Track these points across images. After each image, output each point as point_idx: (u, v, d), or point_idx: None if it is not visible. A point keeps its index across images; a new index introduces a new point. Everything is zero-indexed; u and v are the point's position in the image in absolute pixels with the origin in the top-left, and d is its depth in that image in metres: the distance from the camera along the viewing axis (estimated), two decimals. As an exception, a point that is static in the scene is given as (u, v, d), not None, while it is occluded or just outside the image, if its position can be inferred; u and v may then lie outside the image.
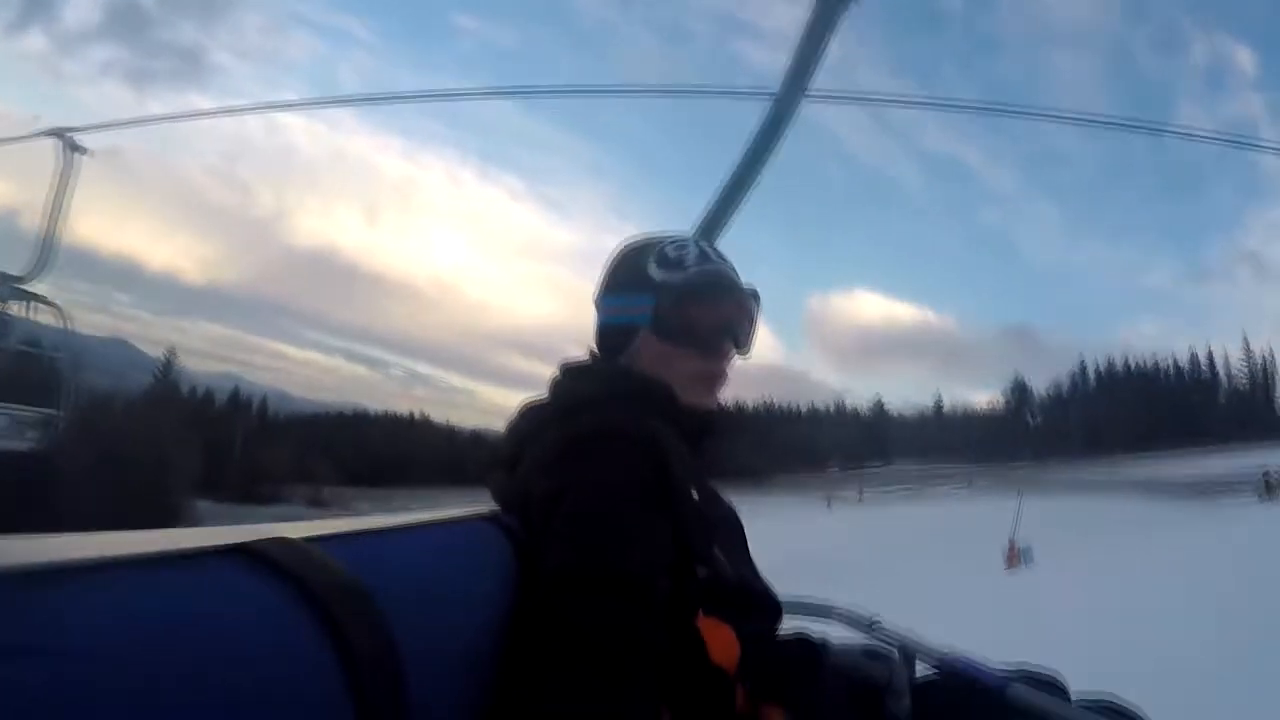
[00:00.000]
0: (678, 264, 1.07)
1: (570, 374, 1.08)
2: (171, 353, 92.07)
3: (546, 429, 0.94)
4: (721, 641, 0.86)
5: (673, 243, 1.10)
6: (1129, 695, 1.16)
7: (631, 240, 1.15)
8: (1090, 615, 8.39)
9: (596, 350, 1.12)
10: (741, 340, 1.11)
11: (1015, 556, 20.38)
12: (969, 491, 57.97)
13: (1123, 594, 9.45)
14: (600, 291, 1.12)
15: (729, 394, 1.13)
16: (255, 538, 0.49)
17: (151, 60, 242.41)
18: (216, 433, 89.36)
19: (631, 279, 1.08)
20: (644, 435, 0.88)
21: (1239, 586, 8.31)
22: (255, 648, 0.42)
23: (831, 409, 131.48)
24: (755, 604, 0.97)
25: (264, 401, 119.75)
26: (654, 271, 1.06)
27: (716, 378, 1.09)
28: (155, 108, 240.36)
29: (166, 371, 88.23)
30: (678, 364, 1.05)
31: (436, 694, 0.59)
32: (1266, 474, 34.30)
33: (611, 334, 1.10)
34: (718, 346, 1.08)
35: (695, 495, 0.90)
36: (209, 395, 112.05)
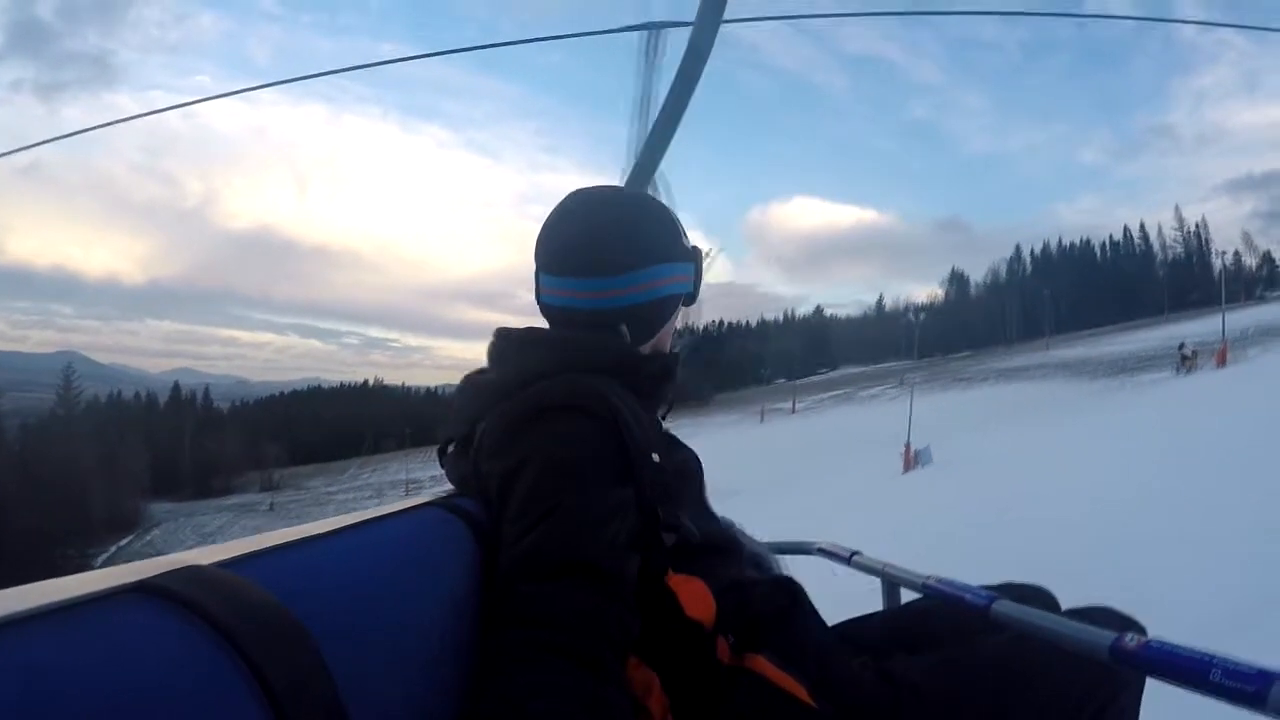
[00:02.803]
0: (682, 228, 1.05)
1: (517, 342, 0.97)
2: (69, 369, 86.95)
3: (497, 404, 0.88)
4: (694, 595, 0.84)
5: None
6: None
7: (631, 200, 1.06)
8: (969, 514, 8.44)
9: (627, 329, 0.98)
10: None
11: (910, 460, 20.71)
12: (899, 390, 59.09)
13: (1007, 491, 9.49)
14: (636, 262, 0.97)
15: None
16: (162, 570, 0.44)
17: (59, 71, 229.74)
18: (166, 432, 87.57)
19: (678, 248, 1.02)
20: (599, 404, 0.82)
21: (1121, 474, 8.34)
22: (160, 700, 0.37)
23: (780, 319, 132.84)
24: (727, 554, 0.94)
25: (207, 393, 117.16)
26: (685, 239, 1.04)
27: None
28: (70, 114, 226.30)
29: (68, 383, 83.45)
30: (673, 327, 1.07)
31: (388, 710, 0.55)
32: (1182, 347, 34.08)
33: (657, 308, 1.00)
34: None
35: (656, 458, 0.85)
36: (152, 396, 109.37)
